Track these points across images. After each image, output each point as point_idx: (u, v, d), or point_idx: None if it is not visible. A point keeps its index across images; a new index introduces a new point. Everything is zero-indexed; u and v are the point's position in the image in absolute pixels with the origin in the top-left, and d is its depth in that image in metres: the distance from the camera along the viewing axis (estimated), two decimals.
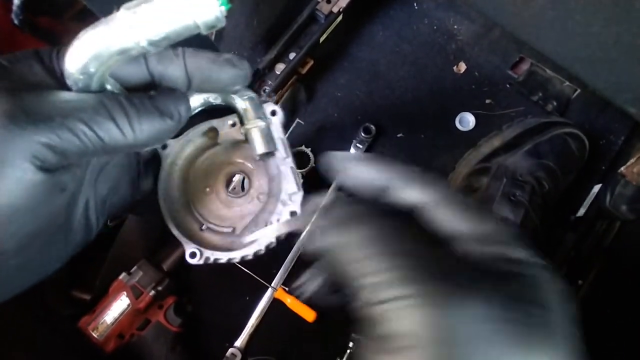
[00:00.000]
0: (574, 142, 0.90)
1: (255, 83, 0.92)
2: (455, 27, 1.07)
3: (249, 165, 0.41)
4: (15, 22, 0.51)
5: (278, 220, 0.39)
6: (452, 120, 1.01)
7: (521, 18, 0.55)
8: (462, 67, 1.04)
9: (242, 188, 0.41)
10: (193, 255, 0.38)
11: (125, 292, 0.79)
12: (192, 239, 0.38)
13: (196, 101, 0.35)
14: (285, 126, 0.98)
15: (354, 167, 0.29)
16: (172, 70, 0.30)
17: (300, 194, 0.39)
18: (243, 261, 0.40)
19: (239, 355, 0.87)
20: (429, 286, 0.21)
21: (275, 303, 0.90)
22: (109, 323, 0.78)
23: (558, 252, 0.91)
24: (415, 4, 1.08)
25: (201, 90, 0.32)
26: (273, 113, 0.38)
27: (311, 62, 0.98)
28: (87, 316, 0.79)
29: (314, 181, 0.93)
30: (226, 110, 0.38)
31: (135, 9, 0.23)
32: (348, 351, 0.87)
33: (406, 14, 1.08)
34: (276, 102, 0.98)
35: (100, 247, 0.87)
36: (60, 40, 0.59)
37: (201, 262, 0.38)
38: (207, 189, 0.40)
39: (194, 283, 0.92)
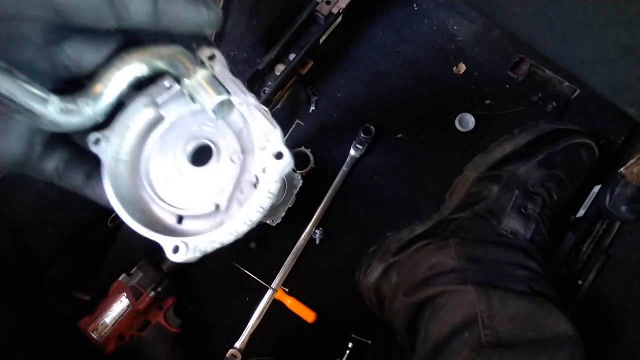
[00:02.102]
0: (585, 152, 0.88)
1: (255, 84, 0.92)
2: (455, 27, 1.07)
3: (208, 127, 0.34)
4: None
5: (264, 170, 0.31)
6: (452, 121, 1.01)
7: (521, 18, 0.55)
8: (462, 67, 1.04)
9: (209, 157, 0.34)
10: (176, 250, 0.30)
11: (125, 293, 0.79)
12: (172, 235, 0.31)
13: (120, 81, 0.30)
14: (285, 127, 0.99)
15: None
16: (138, 3, 0.25)
17: (278, 130, 0.32)
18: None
19: (239, 356, 0.87)
20: None
21: (275, 304, 0.90)
22: (108, 324, 0.78)
23: (558, 252, 0.91)
24: (415, 5, 1.08)
25: (167, 31, 0.27)
26: (211, 57, 0.32)
27: (311, 63, 0.98)
28: (87, 317, 0.79)
29: (314, 181, 0.93)
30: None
31: None
32: (347, 352, 0.87)
33: (406, 14, 1.08)
34: (276, 103, 0.99)
35: (100, 248, 0.87)
36: None
37: (191, 255, 0.30)
38: (169, 173, 0.33)
39: (194, 284, 0.92)
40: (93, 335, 0.78)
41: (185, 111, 0.34)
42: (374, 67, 1.05)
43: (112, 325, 0.78)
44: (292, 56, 0.92)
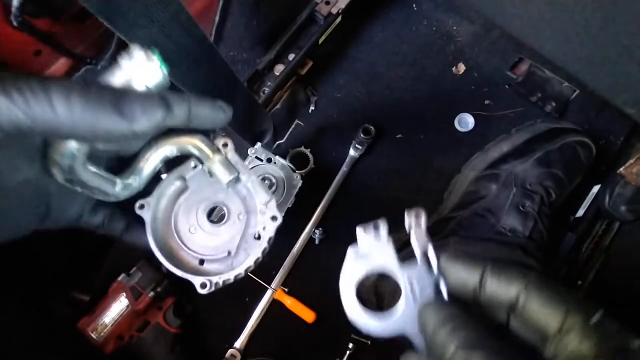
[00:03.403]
0: (582, 150, 0.88)
1: (254, 84, 0.92)
2: (455, 28, 1.07)
3: (221, 194, 0.46)
4: (15, 23, 0.51)
5: (264, 228, 0.45)
6: (451, 121, 1.01)
7: (520, 19, 0.55)
8: (461, 68, 1.04)
9: (223, 216, 0.46)
10: (204, 285, 0.42)
11: (124, 293, 0.79)
12: (197, 274, 0.43)
13: (155, 159, 0.39)
14: (285, 127, 0.99)
15: (449, 269, 0.33)
16: (179, 110, 0.33)
17: (273, 199, 0.45)
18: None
19: (239, 356, 0.87)
20: None
21: (274, 304, 0.90)
22: (108, 324, 0.78)
23: (558, 252, 0.91)
24: (414, 5, 1.08)
25: (193, 126, 0.36)
26: (225, 145, 0.43)
27: (310, 63, 0.98)
28: (87, 317, 0.79)
29: (313, 181, 0.93)
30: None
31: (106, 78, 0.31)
32: (348, 352, 0.87)
33: (405, 15, 1.08)
34: (276, 103, 0.99)
35: (99, 248, 0.87)
36: (59, 41, 0.59)
37: (212, 289, 0.42)
38: (192, 228, 0.45)
39: (193, 284, 0.92)
40: (92, 336, 0.78)
41: (204, 182, 0.45)
42: (373, 68, 1.05)
43: (112, 325, 0.78)
44: (291, 56, 0.92)
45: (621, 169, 0.84)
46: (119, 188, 0.38)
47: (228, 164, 0.42)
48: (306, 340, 0.90)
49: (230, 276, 0.44)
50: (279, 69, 0.92)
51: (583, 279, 0.90)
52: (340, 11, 0.94)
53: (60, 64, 0.62)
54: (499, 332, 0.33)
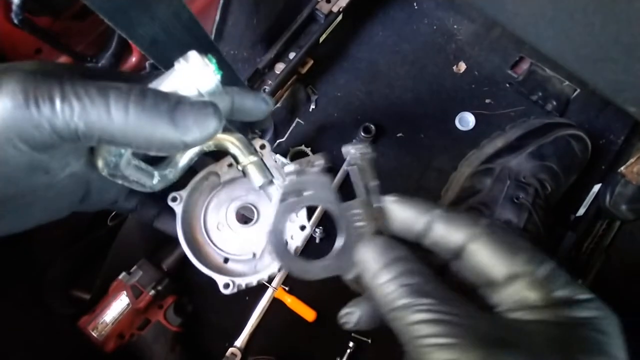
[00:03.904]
0: (576, 143, 0.90)
1: (255, 82, 0.92)
2: (455, 26, 1.07)
3: (252, 196, 0.46)
4: (15, 21, 0.51)
5: (292, 237, 0.45)
6: (452, 120, 1.01)
7: (521, 17, 0.55)
8: (462, 66, 1.04)
9: (251, 217, 0.46)
10: (227, 286, 0.45)
11: (125, 292, 0.79)
12: (220, 272, 0.45)
13: (191, 152, 0.39)
14: (285, 125, 0.99)
15: (395, 210, 0.32)
16: (222, 103, 0.33)
17: (304, 209, 0.45)
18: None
19: (239, 355, 0.87)
20: (472, 352, 0.23)
21: (275, 303, 0.90)
22: (108, 323, 0.78)
23: (558, 252, 0.91)
24: (415, 4, 1.08)
25: (236, 118, 0.36)
26: (262, 147, 0.44)
27: (311, 62, 0.98)
28: (87, 316, 0.79)
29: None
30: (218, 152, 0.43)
31: (155, 84, 0.31)
32: (348, 351, 0.87)
33: (406, 13, 1.08)
34: (276, 102, 0.98)
35: (100, 247, 0.87)
36: (60, 39, 0.59)
37: (235, 290, 0.44)
38: (220, 225, 0.46)
39: (194, 283, 0.92)
40: (93, 334, 0.78)
41: (238, 181, 0.46)
42: (374, 67, 1.05)
43: (112, 324, 0.78)
44: (292, 55, 0.92)
45: (622, 168, 0.85)
46: (156, 180, 0.38)
47: (263, 167, 0.42)
48: (306, 339, 0.90)
49: (253, 280, 0.45)
50: (279, 67, 0.91)
51: (584, 278, 0.90)
52: (341, 10, 0.93)
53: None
54: (438, 271, 0.31)
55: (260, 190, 0.44)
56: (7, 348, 0.72)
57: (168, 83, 0.30)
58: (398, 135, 1.01)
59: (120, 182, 0.35)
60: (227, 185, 0.46)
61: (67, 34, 0.60)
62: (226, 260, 0.46)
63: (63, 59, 0.62)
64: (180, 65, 0.30)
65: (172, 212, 0.43)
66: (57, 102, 0.25)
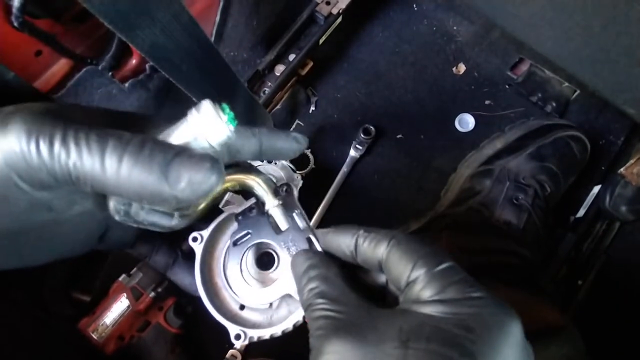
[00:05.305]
0: (576, 144, 0.90)
1: (255, 84, 0.92)
2: (455, 28, 1.07)
3: (274, 241, 0.44)
4: (15, 24, 0.51)
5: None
6: (452, 121, 1.01)
7: (521, 19, 0.55)
8: (462, 68, 1.04)
9: (272, 262, 0.44)
10: (238, 337, 0.41)
11: (125, 294, 0.79)
12: (233, 320, 0.42)
13: (215, 191, 0.38)
14: (286, 127, 0.99)
15: (327, 240, 0.39)
16: (249, 145, 0.34)
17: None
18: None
19: (239, 357, 0.87)
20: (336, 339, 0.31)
21: None
22: (108, 324, 0.78)
23: (558, 252, 0.91)
24: (414, 5, 1.08)
25: (266, 159, 0.37)
26: (287, 190, 0.43)
27: (311, 64, 0.98)
28: (87, 318, 0.79)
29: (313, 182, 0.93)
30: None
31: (166, 133, 0.30)
32: None
33: (406, 15, 1.08)
34: (276, 104, 0.99)
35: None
36: (60, 42, 0.59)
37: (246, 342, 0.41)
38: (239, 269, 0.44)
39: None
40: (93, 336, 0.78)
41: (261, 223, 0.44)
42: (373, 68, 1.05)
43: (112, 325, 0.78)
44: (292, 57, 0.92)
45: (622, 169, 0.85)
46: (176, 221, 0.36)
47: (284, 213, 0.40)
48: (307, 339, 0.89)
49: (266, 334, 0.42)
50: (279, 69, 0.92)
51: (584, 279, 0.90)
52: (340, 11, 0.94)
53: (61, 65, 0.62)
54: (380, 293, 0.37)
55: (282, 235, 0.42)
56: (7, 349, 0.72)
57: (178, 133, 0.29)
58: (398, 136, 1.01)
59: (135, 225, 0.34)
60: (250, 227, 0.45)
61: (67, 36, 0.60)
62: (242, 307, 0.44)
63: (63, 62, 0.62)
64: (192, 115, 0.29)
65: (187, 262, 0.42)
66: (56, 146, 0.25)
